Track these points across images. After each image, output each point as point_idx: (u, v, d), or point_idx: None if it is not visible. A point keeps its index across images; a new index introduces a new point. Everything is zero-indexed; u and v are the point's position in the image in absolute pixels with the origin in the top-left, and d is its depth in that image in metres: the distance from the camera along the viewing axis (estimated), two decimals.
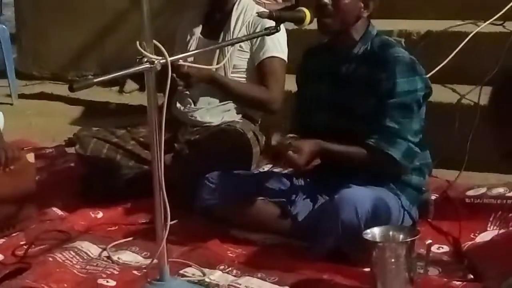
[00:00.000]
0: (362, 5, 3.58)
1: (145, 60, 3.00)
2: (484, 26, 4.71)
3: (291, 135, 3.66)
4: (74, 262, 3.53)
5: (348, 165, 3.56)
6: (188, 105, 4.27)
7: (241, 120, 4.26)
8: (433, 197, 3.88)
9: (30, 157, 3.96)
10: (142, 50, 3.00)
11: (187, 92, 4.22)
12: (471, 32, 4.66)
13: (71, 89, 2.90)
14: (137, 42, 3.01)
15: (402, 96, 3.48)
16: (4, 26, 6.66)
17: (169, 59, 3.01)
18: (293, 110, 3.93)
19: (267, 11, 3.67)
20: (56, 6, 6.74)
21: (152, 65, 2.99)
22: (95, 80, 2.92)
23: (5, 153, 3.78)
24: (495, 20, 4.72)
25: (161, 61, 3.00)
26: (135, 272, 3.47)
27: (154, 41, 3.04)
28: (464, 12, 4.87)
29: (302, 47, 3.91)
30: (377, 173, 3.54)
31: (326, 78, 3.69)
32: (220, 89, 4.10)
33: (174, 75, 3.60)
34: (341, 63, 3.66)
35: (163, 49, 3.03)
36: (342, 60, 3.66)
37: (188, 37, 4.30)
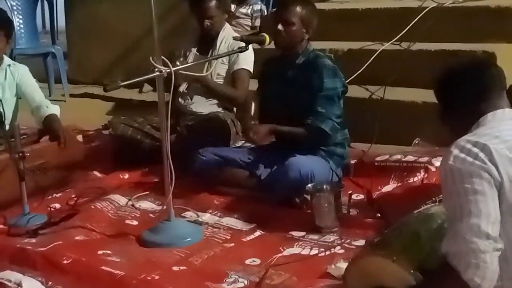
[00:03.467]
0: (304, 31, 3.58)
1: (156, 69, 3.00)
2: (387, 45, 4.70)
3: (252, 122, 3.66)
4: (109, 209, 3.52)
5: (294, 140, 3.56)
6: (186, 100, 4.25)
7: (222, 111, 4.23)
8: (352, 162, 3.86)
9: (80, 138, 3.95)
10: (154, 63, 2.99)
11: (186, 91, 4.20)
12: (378, 49, 4.66)
13: (105, 90, 2.90)
14: (151, 57, 3.01)
15: (327, 91, 3.50)
16: (59, 47, 6.60)
17: (173, 69, 3.01)
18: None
19: (240, 36, 3.68)
20: (94, 32, 6.67)
21: (160, 73, 2.99)
22: (121, 84, 2.91)
23: (63, 134, 3.77)
24: (394, 41, 4.71)
25: (167, 70, 3.00)
26: (151, 215, 3.48)
27: (162, 57, 3.03)
28: (373, 35, 4.86)
29: (265, 58, 3.90)
30: (313, 145, 3.54)
31: (278, 80, 3.68)
32: (206, 87, 4.07)
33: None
34: (288, 69, 3.65)
35: (168, 62, 3.02)
36: (289, 67, 3.65)
37: (188, 53, 4.27)
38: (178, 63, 3.47)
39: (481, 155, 1.90)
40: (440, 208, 2.31)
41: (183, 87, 4.20)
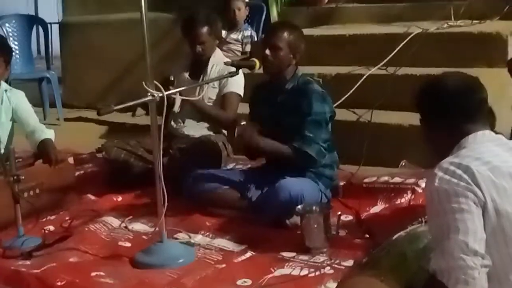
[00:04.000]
0: (292, 56, 3.60)
1: (149, 94, 3.00)
2: (374, 70, 4.73)
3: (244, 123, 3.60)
4: (102, 231, 3.49)
5: (280, 158, 3.55)
6: (179, 124, 4.26)
7: (213, 134, 4.24)
8: (341, 184, 3.86)
9: (71, 160, 3.94)
10: (146, 87, 3.00)
11: (179, 114, 4.20)
12: (365, 74, 4.68)
13: (98, 114, 2.90)
14: (143, 82, 3.02)
15: (315, 116, 3.50)
16: (53, 72, 6.61)
17: (165, 93, 3.02)
18: None
19: (230, 61, 3.70)
20: (88, 57, 6.69)
21: (153, 97, 2.99)
22: (115, 108, 2.91)
23: (54, 155, 3.76)
24: (381, 65, 4.74)
25: (160, 95, 3.01)
26: (144, 237, 3.45)
27: (155, 81, 3.04)
28: (360, 60, 4.90)
29: (255, 83, 3.92)
30: (301, 168, 3.55)
31: (267, 104, 3.69)
32: (199, 109, 4.07)
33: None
34: (277, 94, 3.66)
35: (161, 86, 3.03)
36: (278, 92, 3.66)
37: (180, 78, 4.27)
38: (171, 88, 3.48)
39: (465, 176, 1.91)
40: (427, 229, 2.31)
41: (177, 106, 4.21)
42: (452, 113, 2.09)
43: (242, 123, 3.53)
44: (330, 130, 3.61)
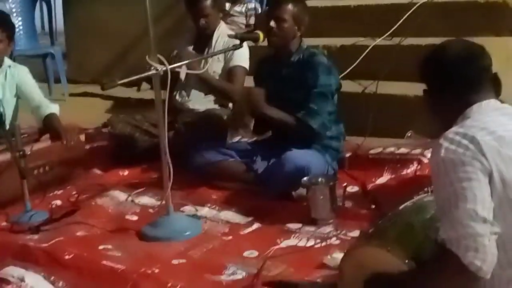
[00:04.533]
0: (296, 28, 3.57)
1: (152, 68, 2.99)
2: (379, 41, 4.68)
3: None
4: (109, 205, 3.52)
5: (282, 128, 3.53)
6: (184, 97, 4.25)
7: (219, 108, 4.23)
8: (347, 155, 3.86)
9: (82, 137, 3.94)
10: (150, 61, 2.98)
11: (184, 84, 4.16)
12: (370, 45, 4.64)
13: (102, 88, 2.89)
14: (147, 56, 3.00)
15: (321, 88, 3.48)
16: (57, 48, 6.59)
17: (169, 67, 3.00)
18: None
19: (234, 33, 3.68)
20: (93, 32, 6.65)
21: (156, 71, 2.98)
22: (118, 82, 2.89)
23: (65, 133, 3.76)
24: (386, 36, 4.69)
25: (163, 68, 2.99)
26: (150, 210, 3.48)
27: (158, 55, 3.02)
28: (365, 31, 4.84)
29: (259, 57, 3.89)
30: (308, 140, 3.53)
31: (273, 78, 3.66)
32: (204, 81, 4.04)
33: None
34: (282, 67, 3.64)
35: (164, 60, 3.01)
36: (283, 65, 3.64)
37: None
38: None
39: (471, 146, 1.89)
40: (433, 198, 2.30)
41: (182, 75, 4.18)
42: (455, 82, 2.05)
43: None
44: (336, 102, 3.59)
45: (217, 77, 4.13)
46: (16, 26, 6.30)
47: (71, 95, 6.36)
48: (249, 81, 4.07)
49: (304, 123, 3.46)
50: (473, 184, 1.86)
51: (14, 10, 6.50)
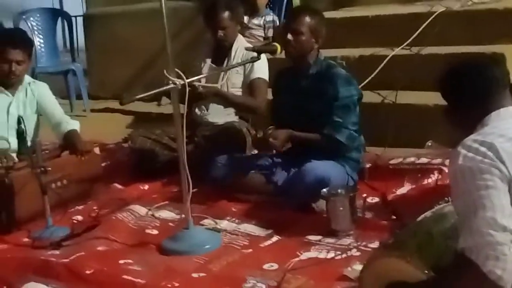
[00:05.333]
0: (314, 40, 3.57)
1: (170, 82, 3.00)
2: (398, 51, 4.67)
3: (270, 127, 3.65)
4: (129, 219, 3.51)
5: (310, 146, 3.54)
6: (203, 111, 4.26)
7: (238, 120, 4.23)
8: (367, 166, 3.84)
9: (97, 150, 3.95)
10: (168, 76, 2.99)
11: (202, 101, 4.17)
12: (389, 55, 4.63)
13: (121, 103, 2.91)
14: (165, 70, 3.01)
15: (343, 100, 3.48)
16: (79, 64, 6.64)
17: (187, 81, 3.01)
18: (271, 112, 3.92)
19: (251, 46, 3.69)
20: (113, 49, 6.71)
21: (175, 85, 2.99)
22: (136, 97, 2.91)
23: (81, 146, 3.78)
24: (404, 46, 4.68)
25: (181, 82, 3.00)
26: (170, 224, 3.47)
27: (176, 69, 3.03)
28: (383, 41, 4.83)
29: (277, 69, 3.89)
30: (329, 152, 3.52)
31: (291, 91, 3.66)
32: (223, 100, 4.07)
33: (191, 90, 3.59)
34: (301, 80, 3.64)
35: (182, 74, 3.02)
36: (301, 77, 3.64)
37: (202, 64, 4.25)
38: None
39: (489, 153, 1.88)
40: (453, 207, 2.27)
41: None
42: (468, 94, 2.08)
43: (260, 133, 3.57)
44: (358, 113, 3.58)
45: (237, 90, 4.13)
46: (38, 43, 6.42)
47: (92, 111, 6.41)
48: (268, 93, 4.07)
49: (332, 138, 3.46)
50: (491, 192, 1.84)
51: (35, 28, 6.57)
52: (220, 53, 4.24)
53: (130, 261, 2.99)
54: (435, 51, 4.55)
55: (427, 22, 4.66)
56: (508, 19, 4.56)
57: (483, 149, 1.89)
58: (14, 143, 3.72)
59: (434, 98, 4.08)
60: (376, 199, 3.50)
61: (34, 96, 3.98)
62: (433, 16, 4.69)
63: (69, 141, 3.82)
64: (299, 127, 3.54)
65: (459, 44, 4.54)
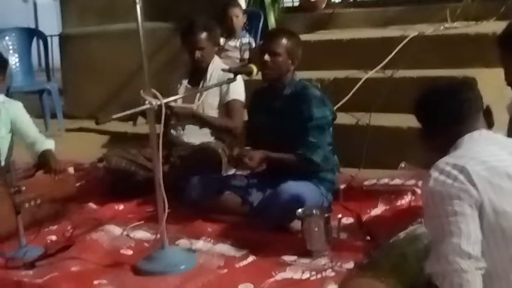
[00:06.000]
0: (290, 61, 3.60)
1: (147, 102, 3.00)
2: (371, 73, 4.71)
3: (246, 147, 3.66)
4: (104, 240, 3.48)
5: (285, 167, 3.56)
6: (178, 131, 4.26)
7: (214, 141, 4.24)
8: (342, 187, 3.86)
9: (71, 170, 3.93)
10: (144, 96, 2.99)
11: (178, 122, 4.18)
12: (363, 77, 4.67)
13: (97, 123, 2.89)
14: (141, 91, 3.01)
15: (317, 121, 3.50)
16: (54, 84, 6.61)
17: (163, 101, 3.01)
18: (246, 132, 3.93)
19: (228, 67, 3.71)
20: (89, 69, 6.69)
21: (151, 105, 2.99)
22: (113, 117, 2.89)
23: (55, 165, 3.75)
24: (378, 69, 4.73)
25: (158, 103, 3.00)
26: (146, 244, 3.44)
27: (153, 90, 3.03)
28: (358, 64, 4.88)
29: (253, 90, 3.91)
30: (304, 172, 3.54)
31: (266, 111, 3.68)
32: (199, 121, 4.08)
33: (169, 112, 3.60)
34: (276, 100, 3.66)
35: (158, 94, 3.02)
36: (276, 98, 3.66)
37: (178, 85, 4.27)
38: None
39: (460, 177, 1.90)
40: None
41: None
42: (440, 117, 2.12)
43: (235, 153, 3.57)
44: (332, 133, 3.60)
45: (213, 110, 4.14)
46: (13, 62, 6.37)
47: (68, 130, 6.36)
48: (244, 114, 4.09)
49: (307, 158, 3.48)
50: (459, 218, 1.87)
51: (10, 47, 6.54)
52: (197, 74, 4.25)
53: (104, 281, 2.96)
54: (408, 75, 4.61)
55: (400, 46, 4.72)
56: (480, 44, 4.63)
57: (454, 172, 1.92)
58: None
59: (407, 121, 4.14)
60: (351, 220, 3.51)
61: (8, 116, 3.95)
62: (406, 40, 4.76)
63: (44, 161, 3.80)
64: (274, 147, 3.55)
65: (431, 67, 4.60)
